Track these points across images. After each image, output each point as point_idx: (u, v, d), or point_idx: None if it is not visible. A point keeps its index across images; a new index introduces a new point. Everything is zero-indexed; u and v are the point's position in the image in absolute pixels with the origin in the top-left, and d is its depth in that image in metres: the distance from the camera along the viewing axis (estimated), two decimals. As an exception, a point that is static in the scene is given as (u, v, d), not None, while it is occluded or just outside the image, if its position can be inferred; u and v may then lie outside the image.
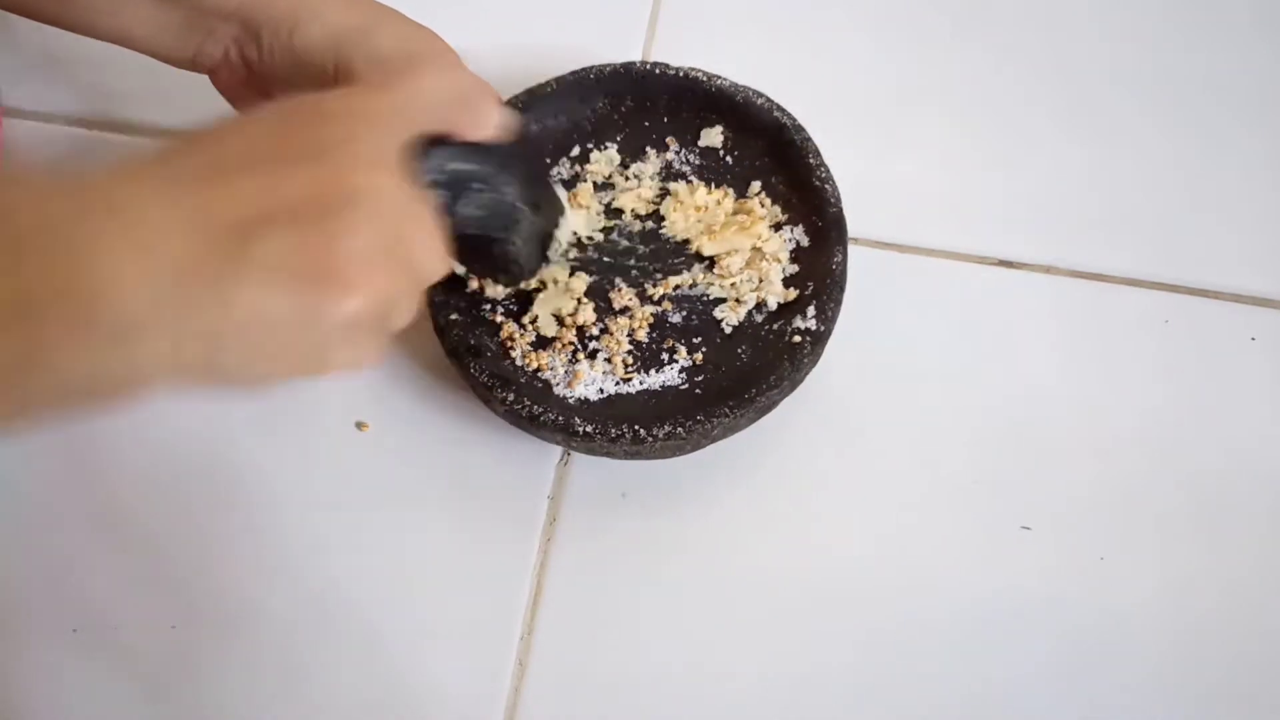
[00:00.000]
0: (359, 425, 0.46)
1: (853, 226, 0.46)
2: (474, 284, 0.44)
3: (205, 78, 0.42)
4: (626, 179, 0.46)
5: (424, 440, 0.45)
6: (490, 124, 0.33)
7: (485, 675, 0.42)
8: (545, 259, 0.41)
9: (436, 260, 0.30)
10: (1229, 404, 0.44)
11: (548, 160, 0.46)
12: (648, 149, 0.46)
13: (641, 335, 0.43)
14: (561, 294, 0.43)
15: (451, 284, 0.43)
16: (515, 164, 0.35)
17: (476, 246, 0.36)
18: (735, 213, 0.44)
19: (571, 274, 0.43)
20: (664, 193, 0.45)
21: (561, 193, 0.43)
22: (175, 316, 0.25)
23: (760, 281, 0.43)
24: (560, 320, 0.43)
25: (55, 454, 0.46)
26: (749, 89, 0.45)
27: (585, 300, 0.43)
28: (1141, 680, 0.41)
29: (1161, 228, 0.48)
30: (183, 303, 0.25)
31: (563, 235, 0.41)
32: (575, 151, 0.47)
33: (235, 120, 0.28)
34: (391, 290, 0.28)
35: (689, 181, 0.45)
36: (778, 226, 0.44)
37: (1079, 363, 0.45)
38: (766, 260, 0.43)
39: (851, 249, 0.47)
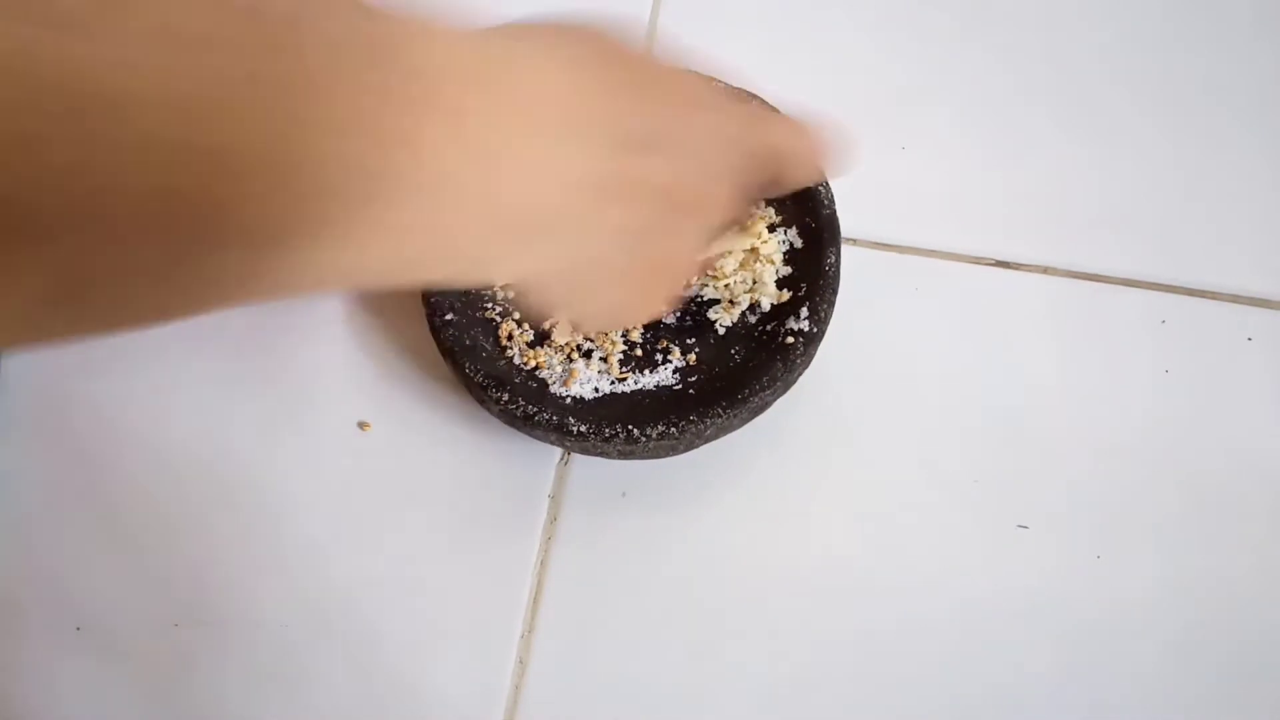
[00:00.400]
0: (361, 425, 0.46)
1: (850, 227, 0.46)
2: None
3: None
4: None
5: (425, 440, 0.45)
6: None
7: (486, 674, 0.42)
8: None
9: (699, 256, 0.33)
10: (1226, 404, 0.44)
11: None
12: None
13: (635, 335, 0.43)
14: None
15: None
16: None
17: None
18: None
19: None
20: None
21: None
22: (548, 237, 0.25)
23: (754, 283, 0.43)
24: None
25: (56, 454, 0.46)
26: (744, 91, 0.45)
27: None
28: (1139, 679, 0.41)
29: (1159, 228, 0.48)
30: (561, 228, 0.25)
31: None
32: None
33: (658, 68, 0.28)
34: (688, 255, 0.30)
35: None
36: (771, 228, 0.44)
37: (1076, 363, 0.45)
38: (760, 262, 0.43)
39: (848, 249, 0.47)
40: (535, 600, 0.43)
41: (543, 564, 0.43)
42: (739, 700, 0.41)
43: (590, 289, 0.29)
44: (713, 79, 0.43)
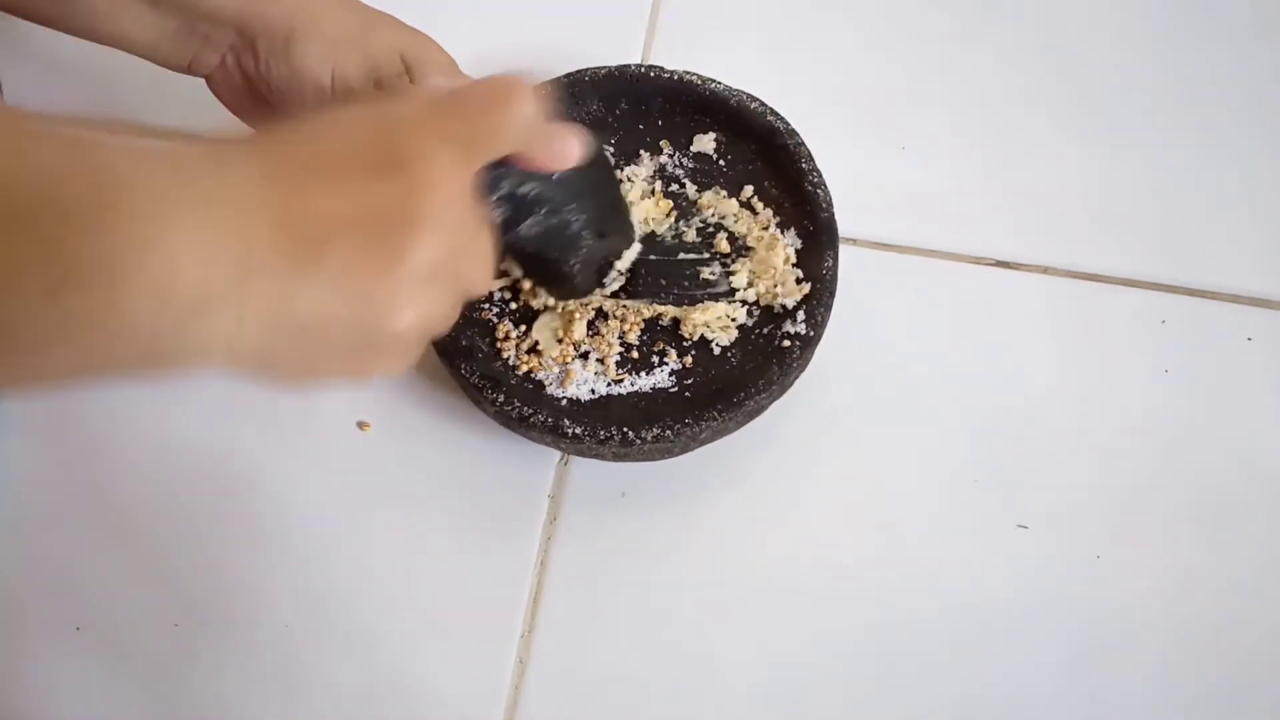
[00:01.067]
0: (360, 425, 0.46)
1: (850, 227, 0.47)
2: (526, 285, 0.44)
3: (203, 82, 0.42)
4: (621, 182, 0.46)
5: (425, 440, 0.45)
6: (569, 159, 0.33)
7: (486, 673, 0.42)
8: (601, 284, 0.41)
9: (485, 278, 0.31)
10: (1226, 403, 0.45)
11: None
12: (641, 152, 0.46)
13: (632, 337, 0.43)
14: (558, 315, 0.43)
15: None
16: (589, 192, 0.36)
17: (535, 259, 0.37)
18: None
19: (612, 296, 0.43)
20: (675, 204, 0.45)
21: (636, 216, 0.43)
22: (242, 300, 0.25)
23: (777, 286, 0.42)
24: (559, 339, 0.43)
25: (57, 454, 0.46)
26: (743, 93, 0.45)
27: (580, 316, 0.43)
28: (1138, 678, 0.41)
29: (1159, 228, 0.48)
30: (252, 289, 0.26)
31: (622, 264, 0.41)
32: None
33: (330, 122, 0.29)
34: (440, 305, 0.29)
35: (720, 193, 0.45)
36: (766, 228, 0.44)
37: (1076, 362, 0.45)
38: (775, 269, 0.43)
39: (849, 249, 0.47)
40: (535, 600, 0.43)
41: (543, 564, 0.43)
42: (739, 700, 0.41)
43: (315, 366, 0.29)
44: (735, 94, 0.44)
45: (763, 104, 0.44)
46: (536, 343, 0.43)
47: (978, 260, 0.47)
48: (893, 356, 0.46)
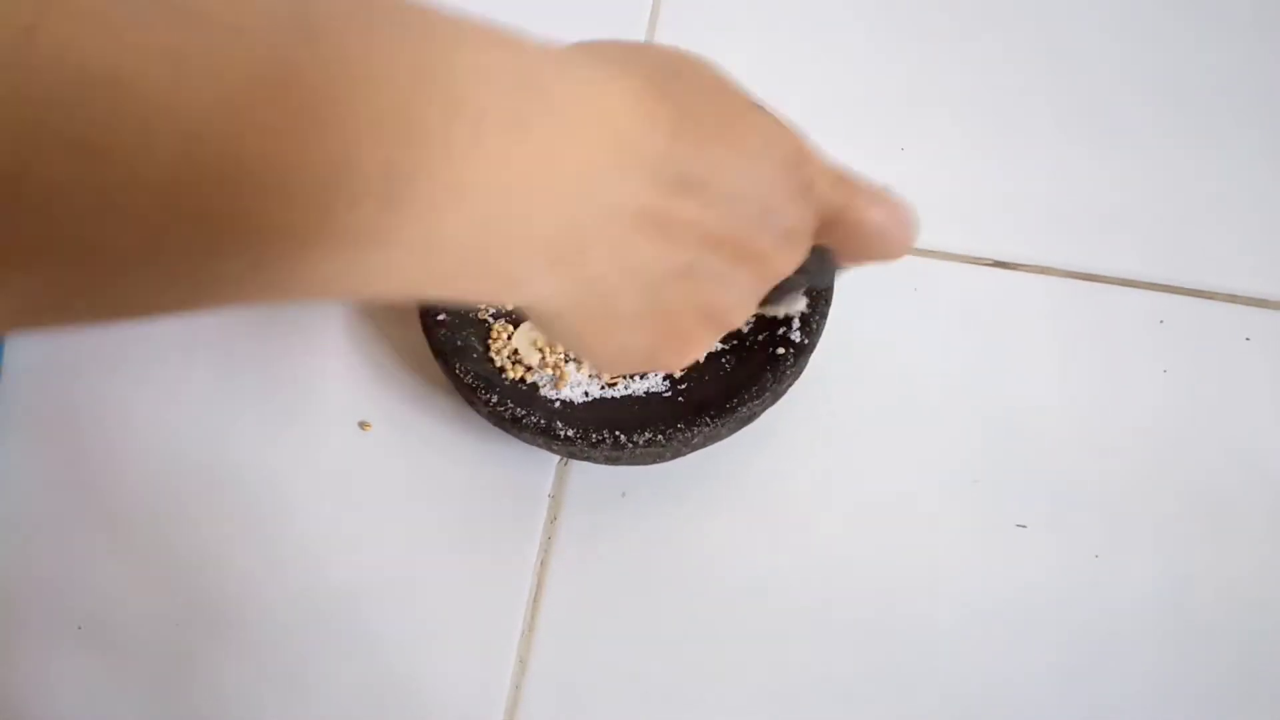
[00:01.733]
0: (362, 425, 0.46)
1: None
2: None
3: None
4: None
5: (426, 440, 0.45)
6: (863, 260, 0.32)
7: (486, 673, 0.42)
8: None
9: (747, 315, 0.30)
10: (1224, 404, 0.45)
11: None
12: None
13: None
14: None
15: None
16: (827, 274, 0.35)
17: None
18: None
19: None
20: None
21: None
22: (573, 264, 0.24)
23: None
24: (539, 348, 0.43)
25: (57, 454, 0.46)
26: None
27: None
28: (1137, 678, 0.41)
29: (1157, 228, 0.48)
30: (589, 257, 0.24)
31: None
32: None
33: (750, 105, 0.27)
34: (734, 313, 0.28)
35: None
36: None
37: (1074, 363, 0.45)
38: None
39: (849, 250, 0.47)
40: (535, 600, 0.43)
41: (543, 564, 0.43)
42: (739, 700, 0.41)
43: (605, 327, 0.26)
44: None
45: (762, 108, 0.44)
46: (516, 349, 0.43)
47: (977, 260, 0.47)
48: (892, 356, 0.46)
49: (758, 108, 0.28)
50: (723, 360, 0.43)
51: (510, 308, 0.44)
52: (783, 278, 0.28)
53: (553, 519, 0.44)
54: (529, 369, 0.43)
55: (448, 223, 0.20)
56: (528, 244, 0.22)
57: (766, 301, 0.36)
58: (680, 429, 0.39)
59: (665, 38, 0.53)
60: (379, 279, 0.21)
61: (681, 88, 0.25)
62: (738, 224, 0.26)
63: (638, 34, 0.53)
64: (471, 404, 0.42)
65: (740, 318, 0.28)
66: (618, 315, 0.26)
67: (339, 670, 0.42)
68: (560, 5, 0.54)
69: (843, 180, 0.29)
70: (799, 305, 0.41)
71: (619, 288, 0.25)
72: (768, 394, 0.40)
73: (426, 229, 0.20)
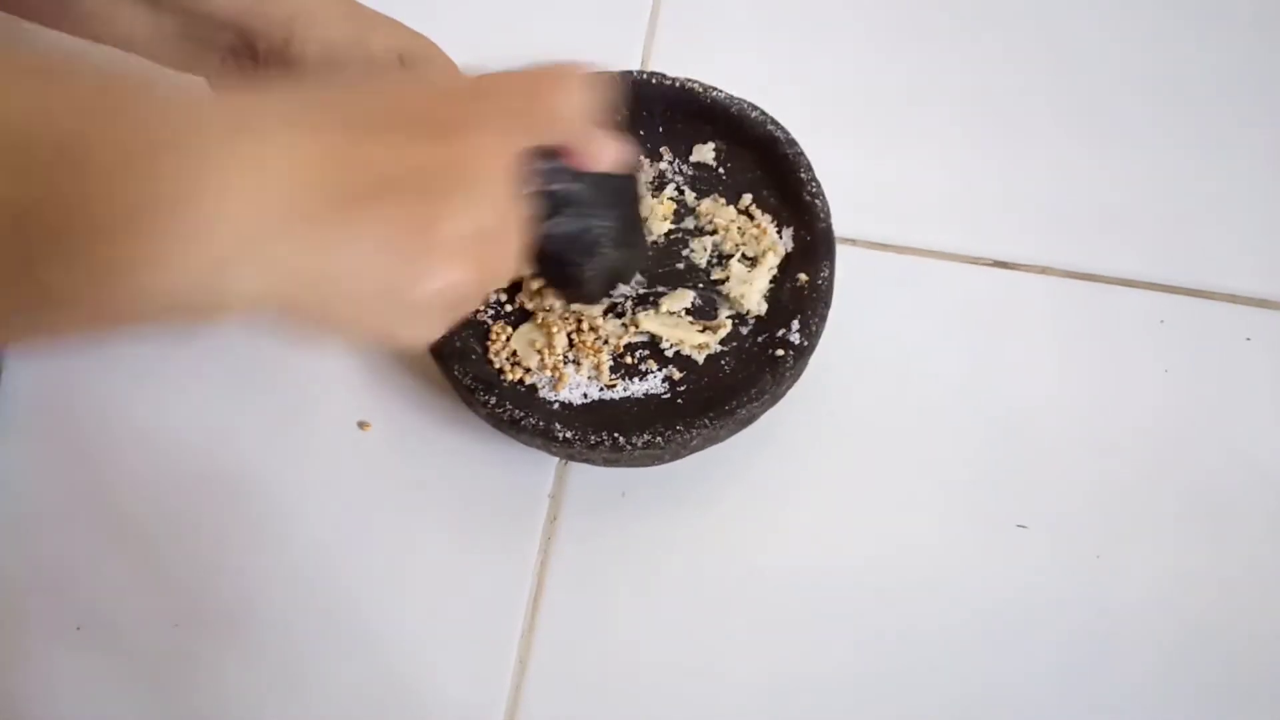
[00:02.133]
0: (361, 425, 0.46)
1: (849, 227, 0.47)
2: (534, 285, 0.44)
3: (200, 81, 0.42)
4: None
5: (425, 440, 0.45)
6: (606, 160, 0.33)
7: (485, 673, 0.42)
8: (609, 294, 0.42)
9: (513, 264, 0.31)
10: (1225, 404, 0.45)
11: None
12: (641, 158, 0.46)
13: (620, 346, 0.43)
14: (538, 328, 0.43)
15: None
16: (618, 203, 0.35)
17: (552, 259, 0.37)
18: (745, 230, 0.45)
19: (605, 314, 0.44)
20: (679, 210, 0.45)
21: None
22: (278, 250, 0.25)
23: (755, 258, 0.43)
24: (538, 350, 0.43)
25: (57, 454, 0.46)
26: (744, 101, 0.45)
27: (559, 330, 0.43)
28: (1138, 678, 0.41)
29: (1158, 228, 0.48)
30: (289, 238, 0.25)
31: (630, 278, 0.42)
32: None
33: (381, 85, 0.29)
34: (469, 281, 0.29)
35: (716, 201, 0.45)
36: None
37: (1075, 363, 0.45)
38: (761, 254, 0.44)
39: (848, 250, 0.47)
40: (535, 600, 0.43)
41: (543, 564, 0.43)
42: (739, 700, 0.41)
43: (338, 313, 0.28)
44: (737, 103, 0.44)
45: (763, 113, 0.44)
46: (515, 351, 0.43)
47: (977, 260, 0.47)
48: (892, 357, 0.46)
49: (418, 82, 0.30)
50: (722, 362, 0.43)
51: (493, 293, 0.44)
52: (508, 220, 0.29)
53: (553, 519, 0.44)
54: (527, 370, 0.43)
55: (144, 236, 0.23)
56: (204, 233, 0.24)
57: (588, 282, 0.37)
58: (679, 430, 0.39)
59: (665, 37, 0.53)
60: (141, 300, 0.24)
61: (341, 105, 0.28)
62: (420, 163, 0.27)
63: (637, 33, 0.53)
64: (470, 406, 0.42)
65: (475, 269, 0.29)
66: (339, 303, 0.28)
67: (339, 670, 0.42)
68: (560, 4, 0.54)
69: (493, 84, 0.30)
70: (631, 279, 0.42)
71: (321, 272, 0.26)
72: (767, 396, 0.40)
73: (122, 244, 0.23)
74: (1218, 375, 0.45)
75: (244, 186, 0.24)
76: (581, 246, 0.36)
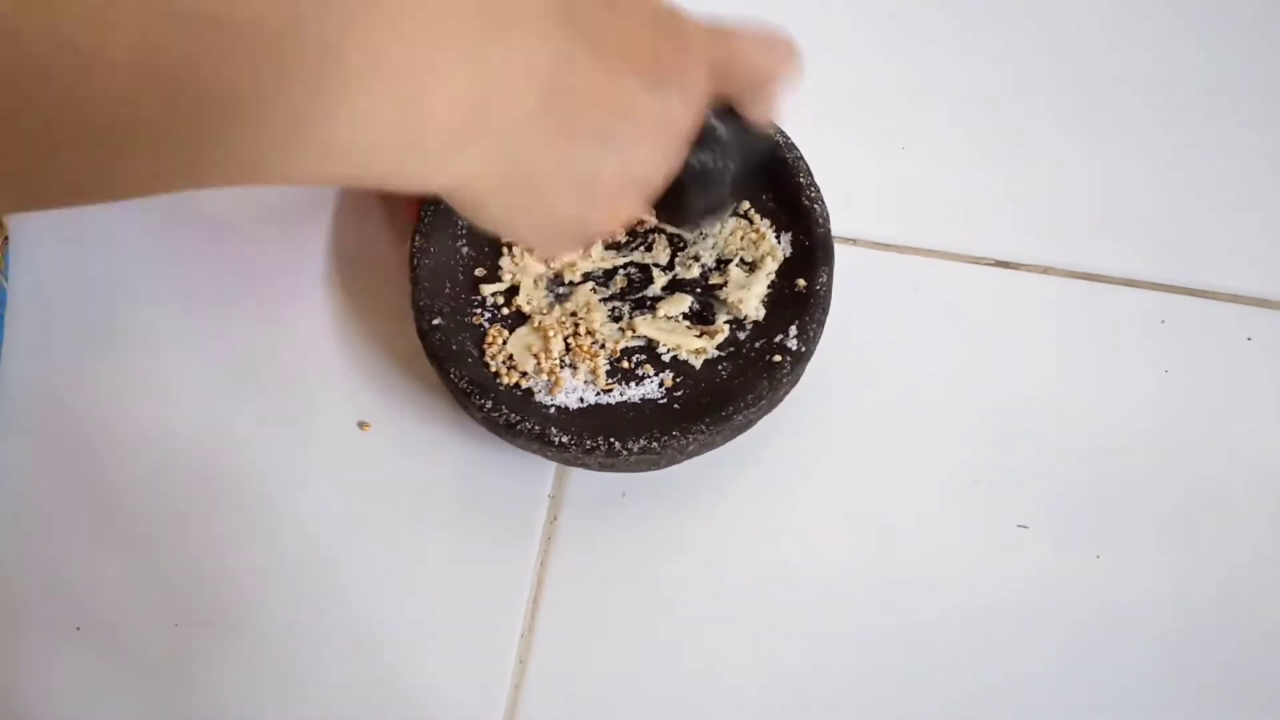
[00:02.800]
0: (361, 425, 0.46)
1: (850, 227, 0.47)
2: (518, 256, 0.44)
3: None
4: None
5: (425, 440, 0.45)
6: (765, 119, 0.34)
7: (485, 674, 0.42)
8: (699, 226, 0.43)
9: (665, 172, 0.31)
10: (1226, 404, 0.45)
11: None
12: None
13: (617, 351, 0.43)
14: (534, 332, 0.44)
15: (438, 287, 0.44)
16: (748, 154, 0.36)
17: (676, 184, 0.37)
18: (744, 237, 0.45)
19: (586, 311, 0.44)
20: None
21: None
22: (490, 136, 0.25)
23: (753, 262, 0.43)
24: (534, 354, 0.43)
25: (56, 453, 0.46)
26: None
27: (555, 334, 0.43)
28: (1138, 679, 0.41)
29: (1159, 228, 0.48)
30: (504, 128, 0.25)
31: (721, 216, 0.43)
32: None
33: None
34: (658, 164, 0.30)
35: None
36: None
37: (1076, 363, 0.45)
38: (761, 258, 0.43)
39: (848, 249, 0.47)
40: (535, 600, 0.43)
41: (543, 564, 0.43)
42: (739, 700, 0.41)
43: (531, 202, 0.28)
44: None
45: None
46: (511, 355, 0.43)
47: (978, 260, 0.47)
48: (892, 357, 0.46)
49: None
50: (719, 368, 0.43)
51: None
52: (690, 132, 0.30)
53: (552, 519, 0.44)
54: (524, 374, 0.43)
55: (370, 96, 0.22)
56: (441, 116, 0.24)
57: (700, 206, 0.37)
58: (675, 436, 0.39)
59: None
60: (312, 155, 0.23)
61: None
62: (636, 87, 0.27)
63: None
64: (466, 409, 0.42)
65: (660, 173, 0.30)
66: (541, 188, 0.28)
67: (339, 670, 0.42)
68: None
69: (717, 31, 0.31)
70: (718, 223, 0.43)
71: (537, 159, 0.27)
72: (763, 402, 0.40)
73: (351, 100, 0.22)
74: (1218, 375, 0.45)
75: (476, 68, 0.24)
76: (705, 180, 0.36)
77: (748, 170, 0.37)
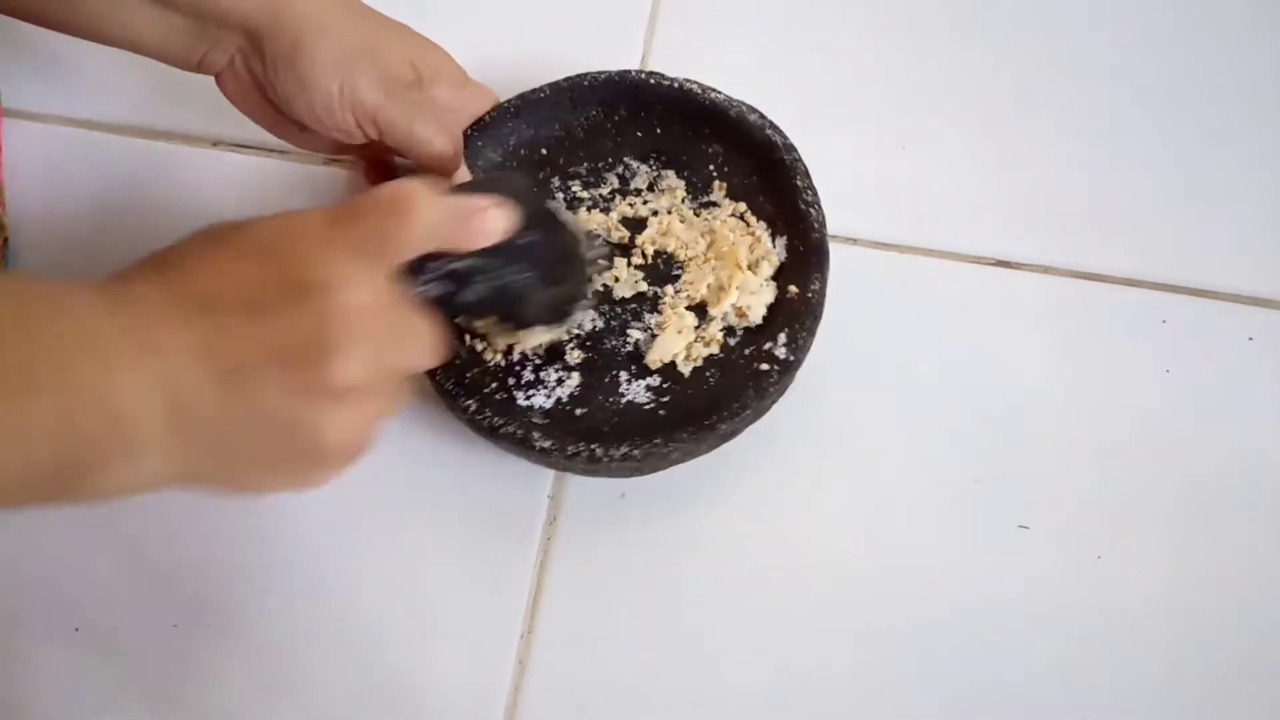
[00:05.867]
0: (360, 425, 0.46)
1: (850, 226, 0.47)
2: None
3: (208, 80, 0.42)
4: (624, 195, 0.46)
5: (426, 441, 0.45)
6: (492, 235, 0.32)
7: (485, 674, 0.42)
8: (562, 321, 0.42)
9: (430, 354, 0.31)
10: (1226, 403, 0.44)
11: (543, 174, 0.47)
12: (640, 163, 0.46)
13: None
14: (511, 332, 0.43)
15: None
16: (530, 250, 0.35)
17: (489, 313, 0.38)
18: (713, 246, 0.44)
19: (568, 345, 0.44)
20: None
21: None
22: (170, 438, 0.27)
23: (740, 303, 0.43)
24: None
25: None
26: (743, 104, 0.44)
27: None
28: (1138, 679, 0.41)
29: (1159, 228, 0.48)
30: (181, 426, 0.27)
31: (578, 301, 0.42)
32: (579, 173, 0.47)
33: (230, 247, 0.29)
34: (374, 408, 0.29)
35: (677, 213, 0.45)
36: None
37: (1076, 362, 0.45)
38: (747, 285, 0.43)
39: (849, 249, 0.47)
40: (535, 600, 0.43)
41: (542, 564, 0.43)
42: (739, 700, 0.41)
43: (247, 484, 0.30)
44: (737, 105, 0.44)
45: (762, 116, 0.44)
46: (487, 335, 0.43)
47: (978, 260, 0.47)
48: (892, 356, 0.46)
49: (230, 228, 0.30)
50: (707, 374, 0.42)
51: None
52: (348, 377, 0.29)
53: (552, 520, 0.44)
54: (504, 352, 0.43)
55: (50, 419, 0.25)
56: (166, 475, 0.28)
57: (537, 318, 0.39)
58: (657, 444, 0.39)
59: (665, 37, 0.53)
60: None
61: (165, 272, 0.28)
62: (278, 388, 0.28)
63: (636, 34, 0.53)
64: (451, 410, 0.42)
65: (378, 412, 0.30)
66: (244, 476, 0.30)
67: (339, 670, 0.42)
68: (560, 3, 0.54)
69: (336, 216, 0.30)
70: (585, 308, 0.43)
71: (226, 452, 0.28)
72: (748, 412, 0.39)
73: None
74: (1218, 375, 0.45)
75: (147, 388, 0.26)
76: (509, 298, 0.36)
77: (543, 259, 0.36)
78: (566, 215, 0.43)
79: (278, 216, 0.29)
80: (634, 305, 0.44)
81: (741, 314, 0.42)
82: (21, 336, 0.26)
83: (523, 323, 0.40)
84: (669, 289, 0.44)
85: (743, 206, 0.44)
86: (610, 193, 0.46)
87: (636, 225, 0.45)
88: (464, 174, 0.44)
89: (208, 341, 0.27)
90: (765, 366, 0.40)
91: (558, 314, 0.41)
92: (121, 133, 0.52)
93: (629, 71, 0.46)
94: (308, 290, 0.27)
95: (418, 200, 0.29)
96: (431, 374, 0.41)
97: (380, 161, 0.47)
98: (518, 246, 0.34)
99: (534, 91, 0.46)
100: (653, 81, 0.45)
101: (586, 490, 0.44)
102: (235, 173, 0.51)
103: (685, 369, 0.42)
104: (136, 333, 0.27)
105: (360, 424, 0.29)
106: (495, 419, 0.40)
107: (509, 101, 0.46)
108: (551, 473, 0.45)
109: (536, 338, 0.42)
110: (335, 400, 0.28)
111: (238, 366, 0.27)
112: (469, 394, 0.41)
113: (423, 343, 0.31)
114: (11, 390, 0.25)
